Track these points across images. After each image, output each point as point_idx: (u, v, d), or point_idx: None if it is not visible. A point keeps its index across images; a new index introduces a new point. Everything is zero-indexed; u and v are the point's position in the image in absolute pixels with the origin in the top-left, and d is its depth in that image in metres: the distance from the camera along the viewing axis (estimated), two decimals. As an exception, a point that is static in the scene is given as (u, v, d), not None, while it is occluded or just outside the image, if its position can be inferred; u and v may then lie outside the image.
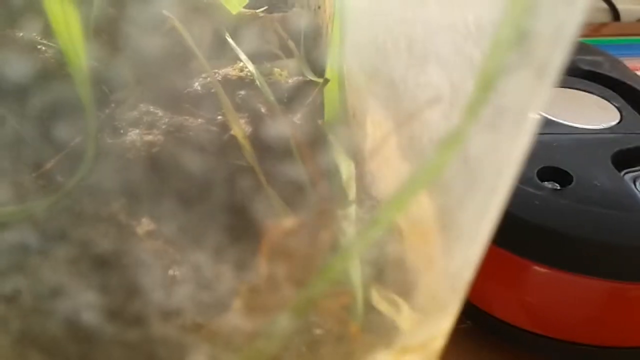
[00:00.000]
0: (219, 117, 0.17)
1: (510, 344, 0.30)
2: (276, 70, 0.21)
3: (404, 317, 0.16)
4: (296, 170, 0.15)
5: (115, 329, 0.14)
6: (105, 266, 0.14)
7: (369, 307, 0.16)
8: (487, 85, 0.13)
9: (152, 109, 0.18)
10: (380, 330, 0.16)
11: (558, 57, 0.14)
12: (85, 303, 0.14)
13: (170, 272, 0.15)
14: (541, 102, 0.14)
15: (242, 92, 0.18)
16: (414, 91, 0.17)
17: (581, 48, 0.38)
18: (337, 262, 0.15)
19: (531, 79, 0.14)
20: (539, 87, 0.14)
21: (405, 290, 0.15)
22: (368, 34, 0.19)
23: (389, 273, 0.15)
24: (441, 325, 0.17)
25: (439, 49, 0.16)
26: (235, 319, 0.15)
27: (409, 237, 0.15)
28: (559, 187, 0.28)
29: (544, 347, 0.29)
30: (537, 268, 0.28)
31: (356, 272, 0.16)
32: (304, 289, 0.15)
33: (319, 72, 0.20)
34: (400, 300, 0.16)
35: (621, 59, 0.37)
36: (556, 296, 0.28)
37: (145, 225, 0.15)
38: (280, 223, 0.15)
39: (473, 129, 0.14)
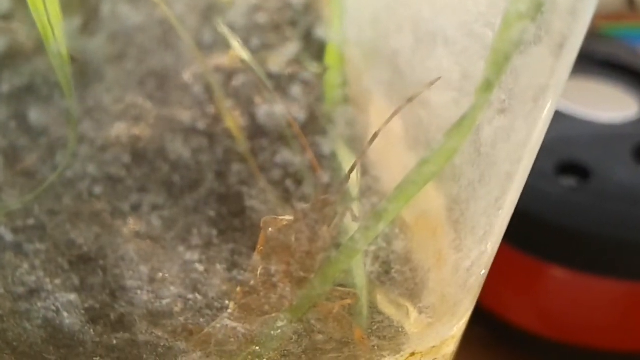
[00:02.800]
0: (211, 109, 0.17)
1: (526, 352, 0.29)
2: (272, 57, 0.20)
3: (412, 320, 0.15)
4: (294, 161, 0.14)
5: (97, 333, 0.14)
6: (87, 265, 0.13)
7: (375, 309, 0.15)
8: (500, 62, 0.13)
9: (139, 101, 0.17)
10: (388, 334, 0.15)
11: (576, 32, 0.13)
12: (65, 304, 0.13)
13: (158, 270, 0.14)
14: (559, 83, 0.14)
15: (236, 82, 0.18)
16: (421, 76, 0.16)
17: (598, 38, 0.38)
18: (340, 259, 0.14)
19: (548, 56, 0.13)
20: (556, 66, 0.13)
21: (413, 290, 0.15)
22: (369, 16, 0.18)
23: (395, 272, 0.14)
24: (452, 328, 0.16)
25: (446, 31, 0.15)
26: (229, 321, 0.14)
27: (416, 232, 0.14)
28: (576, 183, 0.27)
29: (563, 355, 0.28)
30: (553, 269, 0.27)
31: (360, 271, 0.15)
32: (304, 290, 0.14)
33: (318, 58, 0.19)
34: (407, 302, 0.15)
35: (638, 48, 0.36)
36: (574, 299, 0.27)
37: (131, 223, 0.14)
38: (278, 217, 0.15)
39: (485, 112, 0.14)
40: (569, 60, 0.14)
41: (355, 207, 0.15)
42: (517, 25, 0.12)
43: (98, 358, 0.14)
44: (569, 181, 0.28)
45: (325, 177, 0.13)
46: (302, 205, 0.14)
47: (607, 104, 0.32)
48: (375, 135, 0.13)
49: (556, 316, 0.28)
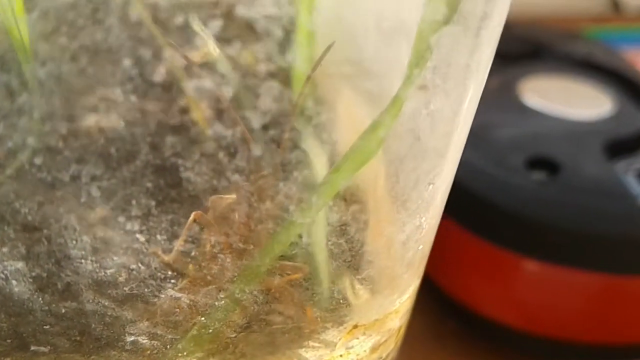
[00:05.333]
0: (180, 103, 0.18)
1: (500, 345, 0.30)
2: (243, 54, 0.21)
3: (353, 291, 0.16)
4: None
5: (45, 301, 0.15)
6: (33, 232, 0.14)
7: (317, 282, 0.16)
8: (422, 42, 0.14)
9: (109, 94, 0.18)
10: (329, 305, 0.16)
11: (496, 9, 0.14)
12: (12, 272, 0.14)
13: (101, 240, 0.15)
14: (481, 62, 0.14)
15: (206, 77, 0.19)
16: (386, 70, 0.17)
17: (577, 40, 0.39)
18: (282, 232, 0.15)
19: (462, 33, 0.14)
20: (475, 43, 0.14)
21: (351, 262, 0.16)
22: (334, 14, 0.19)
23: (332, 244, 0.15)
24: (394, 302, 0.17)
25: (408, 24, 0.16)
26: (172, 292, 0.15)
27: (351, 204, 0.15)
28: (546, 177, 0.28)
29: (534, 346, 0.29)
30: (523, 261, 0.27)
31: (319, 246, 0.16)
32: (248, 262, 0.15)
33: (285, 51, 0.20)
34: (346, 273, 0.16)
35: (622, 50, 0.37)
36: (545, 291, 0.28)
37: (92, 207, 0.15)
38: (224, 197, 0.16)
39: (414, 92, 0.14)
40: (492, 39, 0.15)
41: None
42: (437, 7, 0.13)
43: (48, 326, 0.15)
44: (540, 175, 0.28)
45: (257, 151, 0.14)
46: (239, 179, 0.15)
47: (581, 102, 0.33)
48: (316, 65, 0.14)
49: (528, 308, 0.29)
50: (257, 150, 0.14)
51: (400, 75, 0.16)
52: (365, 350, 0.18)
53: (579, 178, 0.28)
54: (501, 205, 0.28)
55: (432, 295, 0.30)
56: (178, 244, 0.15)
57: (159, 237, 0.15)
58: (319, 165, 0.16)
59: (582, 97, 0.33)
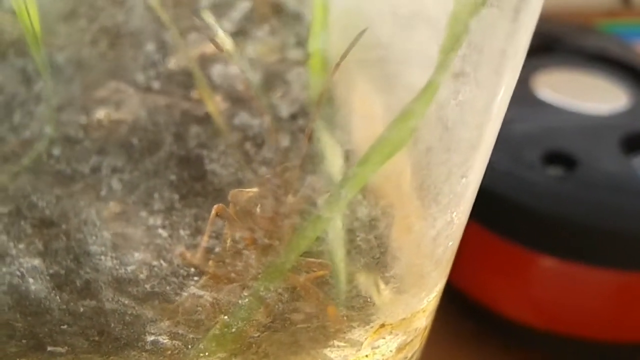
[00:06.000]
0: (194, 95, 0.17)
1: (517, 343, 0.29)
2: (257, 46, 0.20)
3: (380, 291, 0.16)
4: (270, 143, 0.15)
5: (63, 300, 0.14)
6: (52, 229, 0.13)
7: (340, 279, 0.16)
8: (457, 27, 0.13)
9: (121, 87, 0.17)
10: (356, 304, 0.16)
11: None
12: (30, 269, 0.14)
13: (126, 238, 0.14)
14: (518, 49, 0.14)
15: (219, 69, 0.18)
16: (403, 58, 0.16)
17: (590, 33, 0.38)
18: (308, 228, 0.15)
19: (500, 17, 0.13)
20: (513, 29, 0.13)
21: (379, 259, 0.15)
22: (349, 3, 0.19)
23: (361, 240, 0.15)
24: (422, 301, 0.17)
25: (426, 10, 0.16)
26: (195, 290, 0.15)
27: (380, 198, 0.15)
28: (563, 173, 0.27)
29: (552, 344, 0.28)
30: (539, 258, 0.27)
31: (338, 242, 0.15)
32: (273, 259, 0.15)
33: (303, 47, 0.19)
34: (374, 271, 0.15)
35: (633, 44, 0.37)
36: (561, 287, 0.27)
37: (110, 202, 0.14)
38: (244, 190, 0.15)
39: (447, 81, 0.14)
40: (528, 26, 0.14)
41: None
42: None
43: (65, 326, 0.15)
44: (556, 171, 0.28)
45: (284, 142, 0.14)
46: (265, 172, 0.14)
47: (596, 97, 0.32)
48: (337, 66, 0.14)
49: (544, 305, 0.28)
50: (284, 140, 0.14)
51: (419, 61, 0.16)
52: (391, 351, 0.17)
53: (597, 174, 0.28)
54: (519, 201, 0.27)
55: (448, 293, 0.29)
56: (203, 241, 0.14)
57: (181, 232, 0.14)
58: (334, 157, 0.16)
59: (597, 91, 0.33)
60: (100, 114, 0.14)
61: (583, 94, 0.32)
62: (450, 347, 0.29)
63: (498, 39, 0.14)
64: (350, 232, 0.15)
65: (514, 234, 0.28)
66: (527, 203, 0.27)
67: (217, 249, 0.15)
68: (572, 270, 0.27)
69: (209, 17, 0.17)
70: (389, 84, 0.17)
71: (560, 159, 0.28)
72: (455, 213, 0.16)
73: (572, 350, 0.28)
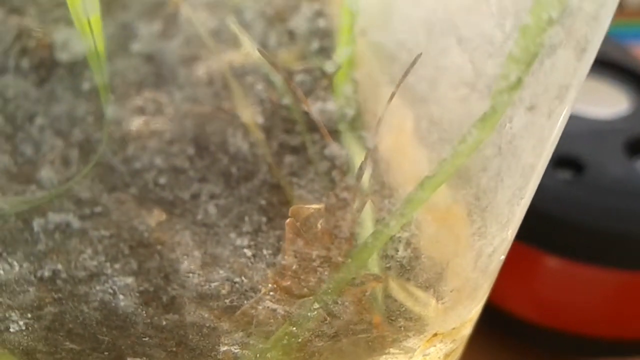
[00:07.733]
0: (227, 105, 0.18)
1: (525, 342, 0.31)
2: (283, 56, 0.21)
3: (429, 309, 0.17)
4: (313, 155, 0.15)
5: (149, 314, 0.15)
6: (148, 249, 0.14)
7: (401, 293, 0.17)
8: (527, 62, 0.14)
9: (156, 97, 0.18)
10: (413, 316, 0.17)
11: (598, 35, 0.14)
12: (122, 287, 0.14)
13: (198, 257, 0.15)
14: (579, 83, 0.15)
15: (249, 79, 0.19)
16: (433, 75, 0.17)
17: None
18: (373, 244, 0.15)
19: (571, 57, 0.14)
20: (579, 66, 0.14)
21: (439, 275, 0.16)
22: (380, 17, 0.19)
23: (425, 257, 0.16)
24: (471, 311, 0.18)
25: (460, 31, 0.17)
26: (270, 303, 0.15)
27: (442, 219, 0.16)
28: (571, 176, 0.29)
29: (557, 342, 0.30)
30: (548, 258, 0.28)
31: (376, 263, 0.16)
32: (339, 273, 0.16)
33: (329, 57, 0.20)
34: (433, 286, 0.16)
35: (627, 45, 0.38)
36: (567, 287, 0.29)
37: (159, 214, 0.15)
38: (304, 206, 0.16)
39: (516, 109, 0.15)
40: (589, 62, 0.15)
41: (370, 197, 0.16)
42: (544, 27, 0.14)
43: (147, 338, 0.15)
44: (565, 174, 0.29)
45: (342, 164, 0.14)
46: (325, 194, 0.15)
47: (599, 101, 0.33)
48: (380, 121, 0.15)
49: (551, 304, 0.30)
50: (368, 167, 0.15)
51: (449, 78, 0.17)
52: (439, 357, 0.18)
53: (603, 177, 0.29)
54: (532, 205, 0.28)
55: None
56: (285, 260, 0.15)
57: (265, 251, 0.15)
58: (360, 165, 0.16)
59: (599, 95, 0.34)
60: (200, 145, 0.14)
61: (586, 99, 0.33)
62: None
63: (566, 75, 0.15)
64: (416, 249, 0.16)
65: (524, 235, 0.29)
66: (537, 205, 0.28)
67: (295, 266, 0.15)
68: (578, 270, 0.28)
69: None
70: (419, 98, 0.18)
71: (568, 163, 0.29)
72: (510, 230, 0.17)
73: (579, 348, 0.29)
